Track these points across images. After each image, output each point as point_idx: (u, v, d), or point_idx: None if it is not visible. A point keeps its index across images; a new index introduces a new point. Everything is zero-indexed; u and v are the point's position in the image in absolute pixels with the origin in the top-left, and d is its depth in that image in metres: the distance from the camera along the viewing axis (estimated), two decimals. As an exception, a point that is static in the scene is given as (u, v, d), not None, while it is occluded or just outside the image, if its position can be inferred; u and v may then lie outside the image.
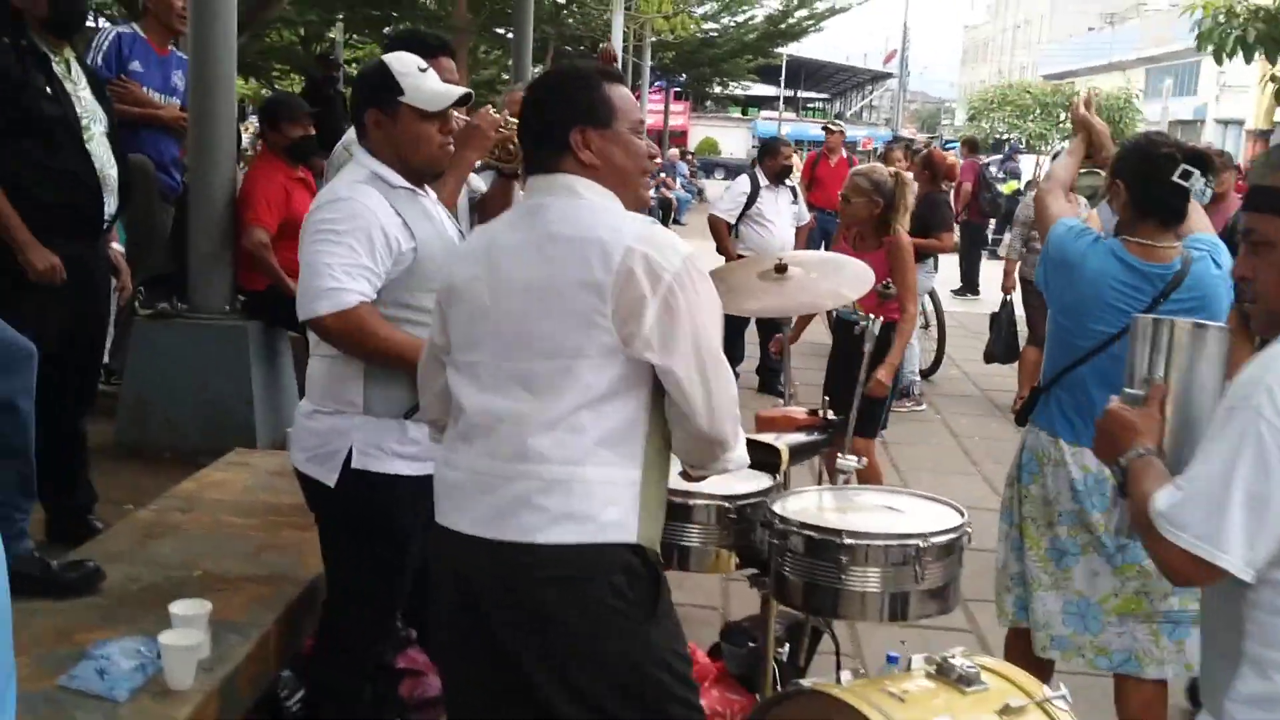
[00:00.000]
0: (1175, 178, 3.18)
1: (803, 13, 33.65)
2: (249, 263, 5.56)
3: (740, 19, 33.92)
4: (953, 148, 65.12)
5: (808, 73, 56.02)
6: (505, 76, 35.57)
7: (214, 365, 5.43)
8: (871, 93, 76.89)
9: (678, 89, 40.63)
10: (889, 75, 67.90)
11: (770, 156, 8.88)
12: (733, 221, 8.73)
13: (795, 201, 9.00)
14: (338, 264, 2.79)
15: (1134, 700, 3.41)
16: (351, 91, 3.09)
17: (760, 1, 33.70)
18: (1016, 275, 8.73)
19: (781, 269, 3.43)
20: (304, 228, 2.91)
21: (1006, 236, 12.61)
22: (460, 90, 3.04)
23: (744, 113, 63.28)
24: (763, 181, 8.77)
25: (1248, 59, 12.87)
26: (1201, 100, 58.19)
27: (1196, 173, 3.18)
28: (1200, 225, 3.42)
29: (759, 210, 8.66)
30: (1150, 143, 3.33)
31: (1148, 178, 3.24)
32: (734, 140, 64.24)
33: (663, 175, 22.95)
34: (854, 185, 5.43)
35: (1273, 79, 13.46)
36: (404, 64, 2.99)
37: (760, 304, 3.35)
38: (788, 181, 8.93)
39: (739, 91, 41.57)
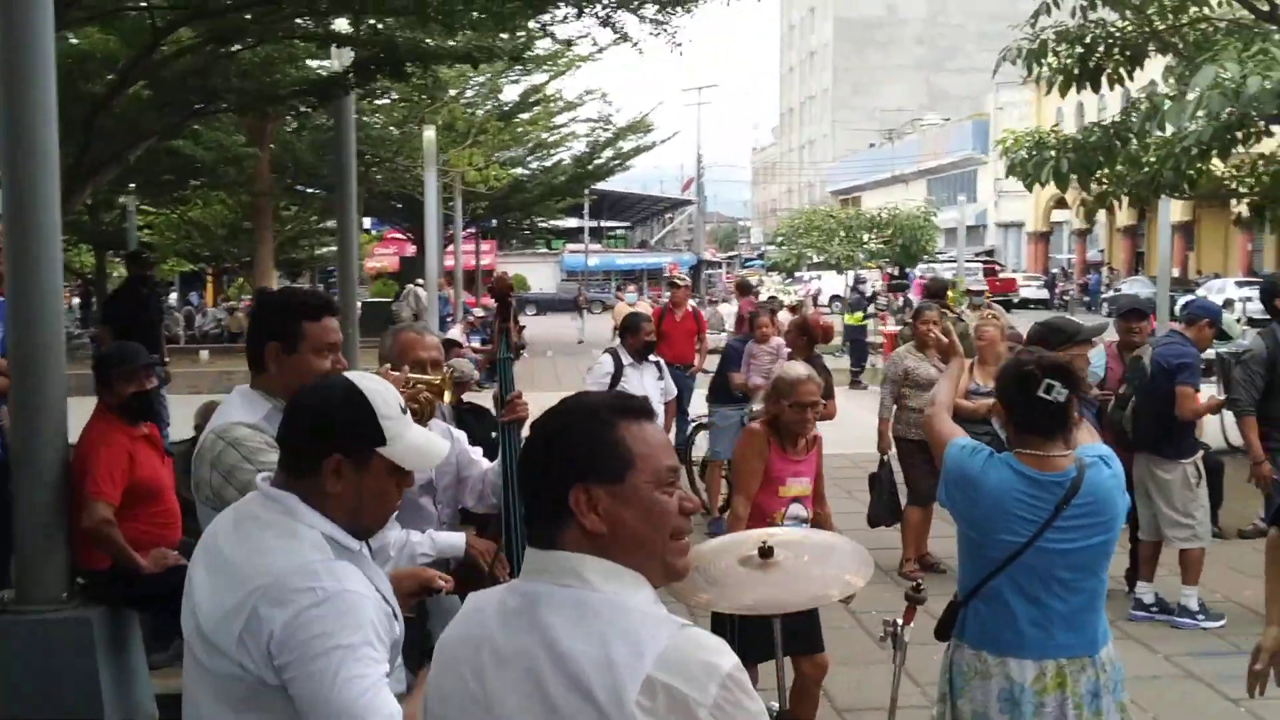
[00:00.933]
0: (1041, 393, 3.39)
1: (609, 153, 34.17)
2: (88, 540, 4.80)
3: (549, 164, 34.16)
4: (751, 265, 66.93)
5: (610, 203, 56.92)
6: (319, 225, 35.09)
7: (53, 669, 4.61)
8: (671, 219, 78.58)
9: (486, 232, 40.54)
10: (688, 201, 69.60)
11: (632, 334, 8.53)
12: (596, 403, 8.36)
13: (661, 377, 8.66)
14: (373, 685, 2.22)
15: None
16: (294, 421, 2.45)
17: (567, 145, 34.16)
18: (891, 434, 8.55)
19: (766, 553, 2.98)
20: (287, 641, 2.24)
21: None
22: (443, 447, 2.55)
23: (549, 246, 63.70)
24: (625, 359, 8.41)
25: (1062, 187, 13.31)
26: (981, 206, 61.49)
27: (1058, 385, 3.40)
28: (1086, 439, 3.66)
29: (625, 389, 8.27)
30: (1018, 363, 3.54)
31: (1019, 397, 3.46)
32: (542, 275, 64.51)
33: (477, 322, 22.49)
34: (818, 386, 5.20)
35: (1083, 203, 13.96)
36: (388, 404, 2.43)
37: (756, 596, 2.87)
38: (651, 357, 8.59)
39: (542, 224, 41.83)
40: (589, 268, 65.61)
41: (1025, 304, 40.63)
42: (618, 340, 8.73)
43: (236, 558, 2.35)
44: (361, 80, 10.11)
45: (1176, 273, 43.63)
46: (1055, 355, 3.77)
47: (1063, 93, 13.26)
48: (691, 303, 14.12)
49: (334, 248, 37.27)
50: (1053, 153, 13.09)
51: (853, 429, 11.59)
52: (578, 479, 1.88)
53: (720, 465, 9.85)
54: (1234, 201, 14.38)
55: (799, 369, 5.18)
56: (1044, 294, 45.87)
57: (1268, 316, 7.53)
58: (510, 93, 29.29)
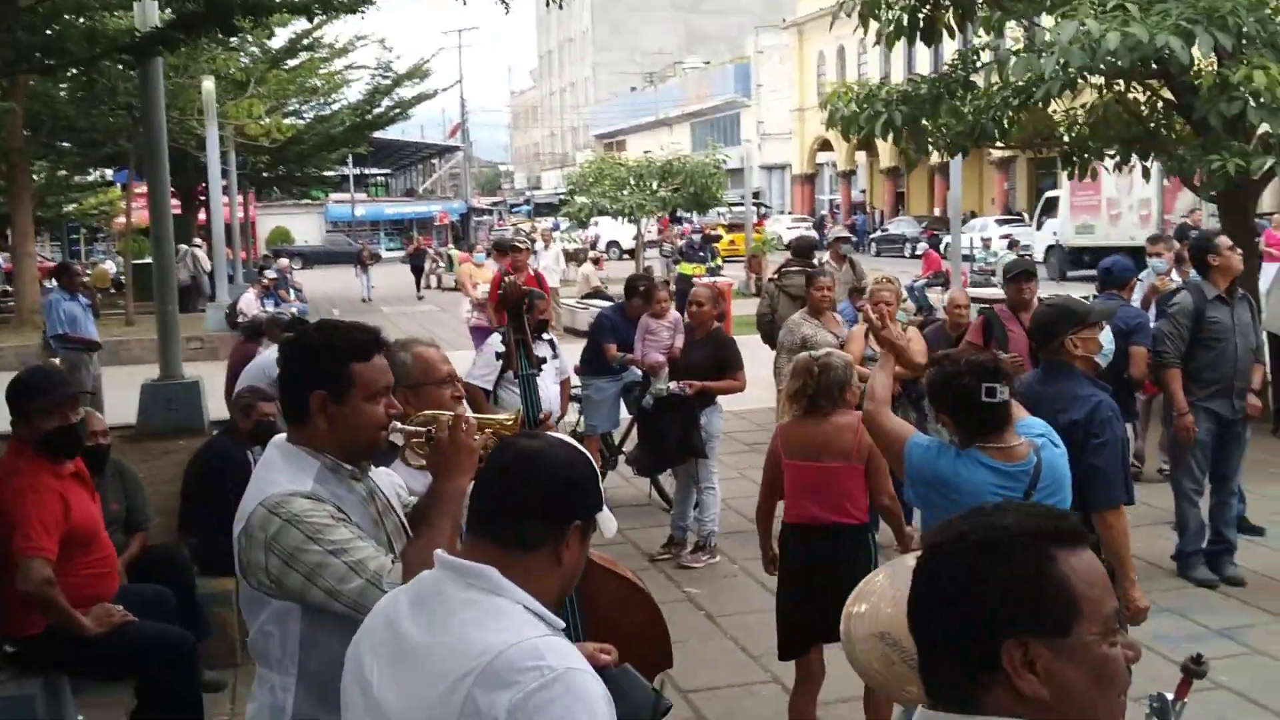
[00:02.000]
0: (984, 399, 3.48)
1: (388, 102, 32.79)
2: (21, 604, 4.07)
3: (325, 114, 32.45)
4: (520, 212, 66.04)
5: (372, 151, 54.92)
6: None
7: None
8: (437, 166, 76.78)
9: (255, 185, 38.39)
10: (454, 148, 67.96)
11: (530, 312, 8.02)
12: (490, 388, 7.88)
13: (556, 355, 8.20)
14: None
15: None
16: (518, 487, 2.16)
17: (342, 94, 32.55)
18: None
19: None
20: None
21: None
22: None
23: (312, 196, 61.22)
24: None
25: (897, 141, 13.45)
26: (745, 149, 62.64)
27: (998, 386, 3.48)
28: (1020, 414, 3.73)
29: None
30: (947, 376, 3.58)
31: (962, 407, 3.54)
32: (306, 226, 61.91)
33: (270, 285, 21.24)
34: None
35: (903, 153, 14.17)
36: None
37: None
38: (545, 335, 8.12)
39: (314, 174, 39.94)
40: (356, 218, 63.49)
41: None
42: (469, 308, 8.19)
43: (434, 642, 2.01)
44: (190, 34, 9.14)
45: (938, 212, 45.63)
46: (980, 358, 3.77)
47: (890, 45, 13.38)
48: (533, 264, 13.63)
49: (87, 202, 34.89)
50: (883, 106, 13.18)
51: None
52: (1012, 630, 1.53)
53: (596, 440, 9.51)
54: (1043, 149, 14.87)
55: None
56: (813, 235, 47.04)
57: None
58: (280, 37, 27.66)
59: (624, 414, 9.78)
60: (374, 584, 2.61)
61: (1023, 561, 1.53)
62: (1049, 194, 34.27)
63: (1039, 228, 33.34)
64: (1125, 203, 28.71)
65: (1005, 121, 13.03)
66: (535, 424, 3.70)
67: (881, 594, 2.78)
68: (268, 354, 8.90)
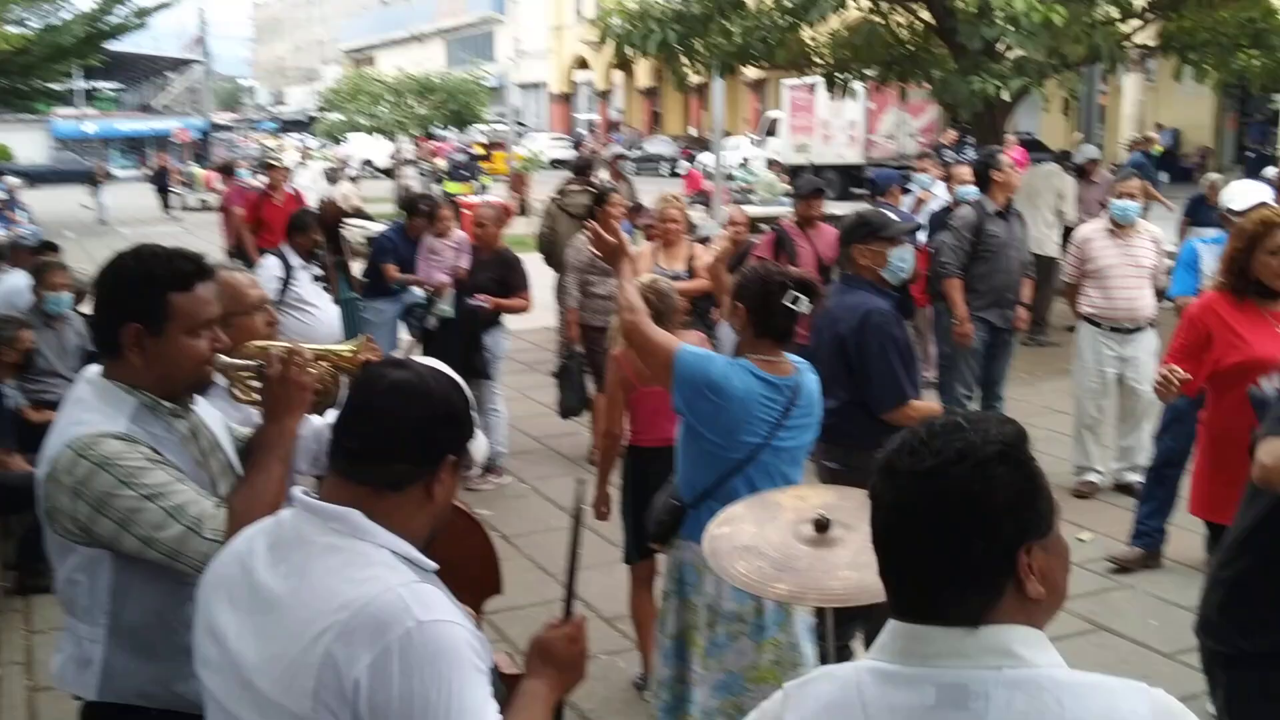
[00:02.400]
0: (786, 302, 3.62)
1: (124, 10, 30.49)
2: None
3: (55, 24, 29.86)
4: (265, 128, 63.25)
5: (106, 64, 51.12)
6: None
7: None
8: (173, 81, 72.42)
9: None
10: (194, 61, 64.18)
11: (301, 232, 7.66)
12: (266, 313, 7.51)
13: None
14: None
15: None
16: (386, 424, 2.01)
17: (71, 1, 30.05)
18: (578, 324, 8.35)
19: (823, 527, 2.68)
20: (377, 688, 1.80)
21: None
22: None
23: (34, 111, 56.84)
24: (295, 261, 7.56)
25: (671, 61, 13.47)
26: (501, 67, 61.65)
27: (803, 297, 3.64)
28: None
29: (297, 295, 7.43)
30: (766, 272, 3.71)
31: (763, 303, 3.65)
32: (29, 143, 57.44)
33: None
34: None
35: (674, 72, 14.21)
36: None
37: (844, 584, 2.55)
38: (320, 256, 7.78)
39: (25, 86, 36.79)
40: (86, 135, 59.42)
41: (556, 164, 41.37)
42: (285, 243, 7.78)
43: (290, 594, 1.88)
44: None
45: (694, 132, 46.23)
46: (803, 271, 4.03)
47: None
48: (289, 186, 13.03)
49: None
50: (656, 25, 13.19)
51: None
52: (1024, 537, 1.54)
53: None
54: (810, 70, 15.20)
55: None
56: (572, 154, 46.94)
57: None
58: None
59: (404, 335, 9.52)
60: (194, 530, 2.43)
61: (1024, 469, 1.55)
62: (770, 114, 35.75)
63: (763, 147, 34.59)
64: (836, 124, 30.69)
65: (774, 42, 13.24)
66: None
67: (743, 517, 2.84)
68: (11, 280, 8.21)
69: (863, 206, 5.84)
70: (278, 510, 2.53)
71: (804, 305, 3.65)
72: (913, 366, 4.77)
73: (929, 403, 4.74)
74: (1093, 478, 7.54)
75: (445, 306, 8.19)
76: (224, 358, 2.66)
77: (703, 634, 3.74)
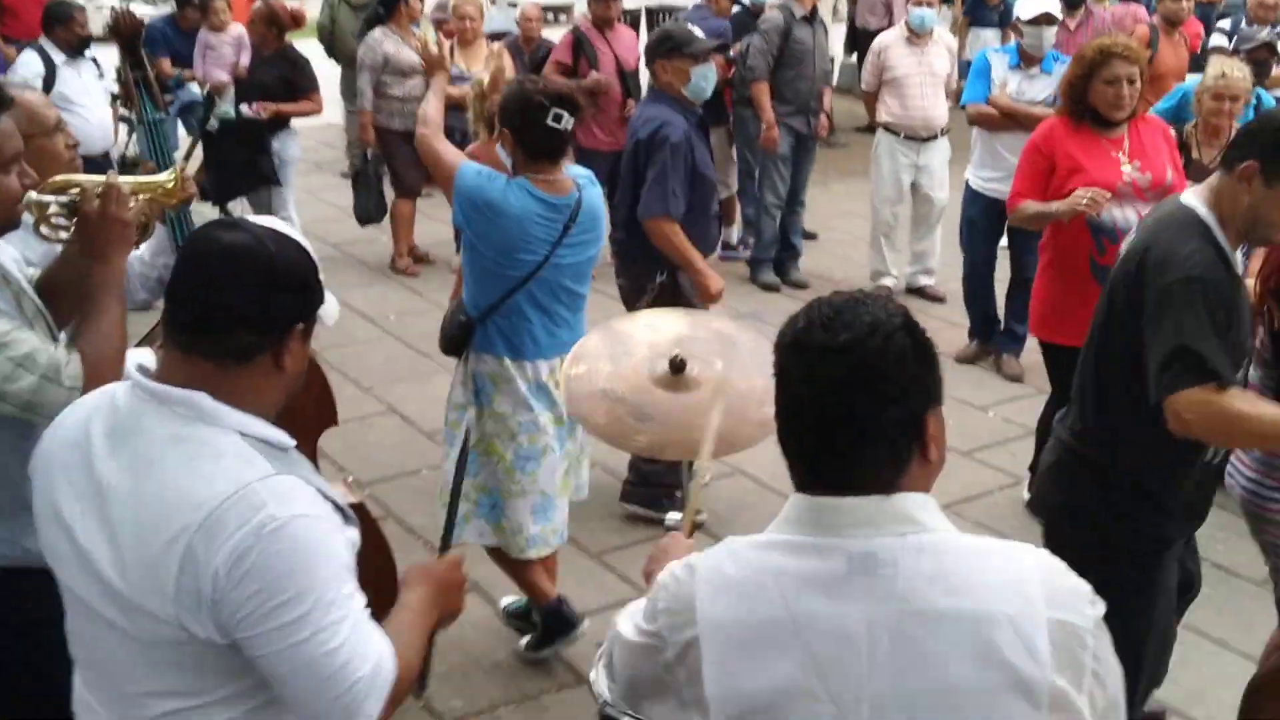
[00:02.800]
0: (549, 122, 3.60)
1: None
2: None
3: None
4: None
5: None
6: None
7: None
8: None
9: None
10: None
11: (62, 24, 6.96)
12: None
13: (102, 75, 7.22)
14: (350, 638, 1.77)
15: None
16: (224, 290, 1.83)
17: None
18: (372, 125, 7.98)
19: (679, 368, 2.65)
20: (231, 595, 1.71)
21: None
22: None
23: None
24: (58, 56, 6.91)
25: None
26: None
27: (565, 114, 3.62)
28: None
29: (63, 95, 6.80)
30: (525, 94, 3.65)
31: (528, 126, 3.63)
32: None
33: None
34: None
35: None
36: None
37: (707, 433, 2.53)
38: (88, 53, 7.10)
39: None
40: None
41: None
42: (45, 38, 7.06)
43: (140, 491, 1.75)
44: None
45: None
46: (559, 84, 3.98)
47: None
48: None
49: None
50: None
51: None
52: (927, 404, 1.59)
53: (150, 166, 8.65)
54: None
55: None
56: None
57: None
58: None
59: (183, 136, 8.92)
60: (51, 379, 2.28)
61: (924, 341, 1.60)
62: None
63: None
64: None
65: None
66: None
67: (597, 354, 2.77)
68: None
69: (671, 24, 5.69)
70: (124, 352, 2.43)
71: (566, 123, 3.64)
72: (700, 187, 4.79)
73: (690, 248, 4.72)
74: (888, 281, 7.81)
75: (227, 108, 7.68)
76: (34, 194, 2.43)
77: (505, 444, 3.81)
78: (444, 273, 8.07)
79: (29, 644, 2.46)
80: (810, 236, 8.75)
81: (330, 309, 1.99)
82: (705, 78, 4.78)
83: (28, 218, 2.49)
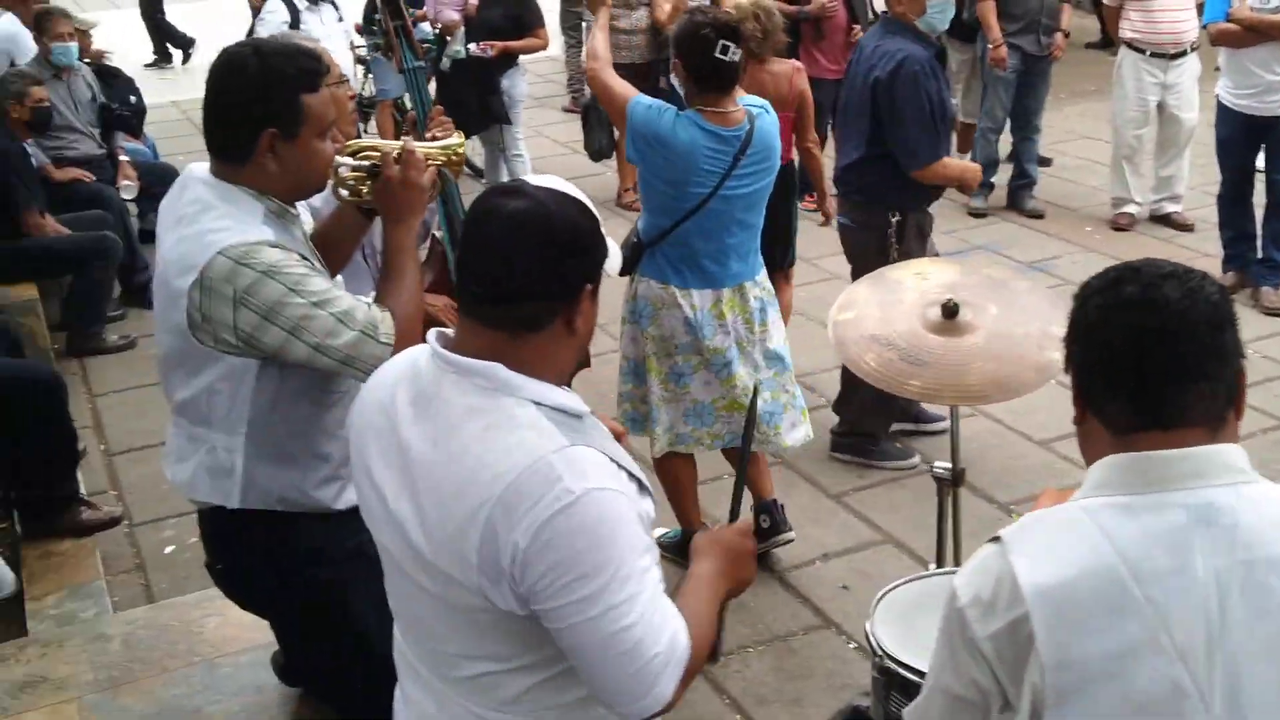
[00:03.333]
0: (716, 54, 3.67)
1: None
2: None
3: None
4: None
5: None
6: None
7: None
8: None
9: None
10: None
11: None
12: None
13: (341, 18, 7.46)
14: (646, 613, 1.75)
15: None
16: (521, 257, 1.80)
17: None
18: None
19: (951, 312, 2.60)
20: (531, 567, 1.72)
21: None
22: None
23: None
24: (300, 2, 7.15)
25: None
26: None
27: (732, 45, 3.69)
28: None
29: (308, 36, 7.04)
30: (694, 24, 3.73)
31: (697, 57, 3.71)
32: None
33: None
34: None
35: None
36: None
37: (980, 378, 2.49)
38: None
39: None
40: None
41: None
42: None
43: (441, 462, 1.77)
44: None
45: None
46: (727, 15, 3.98)
47: None
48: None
49: None
50: None
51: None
52: (1240, 352, 1.61)
53: (388, 105, 8.94)
54: None
55: None
56: None
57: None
58: None
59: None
60: (369, 335, 2.40)
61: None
62: None
63: None
64: None
65: None
66: (424, 123, 3.32)
67: (866, 300, 2.76)
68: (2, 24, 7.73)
69: None
70: (423, 310, 2.56)
71: (734, 54, 3.69)
72: (946, 123, 4.63)
73: (963, 162, 4.65)
74: (1131, 209, 7.45)
75: (458, 47, 7.82)
76: (343, 159, 2.54)
77: (662, 361, 3.97)
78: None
79: (312, 581, 2.64)
80: (1045, 163, 8.38)
81: (614, 261, 2.01)
82: (942, 10, 4.55)
83: None
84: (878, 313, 2.68)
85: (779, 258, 5.26)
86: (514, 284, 1.77)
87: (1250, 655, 1.46)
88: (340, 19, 7.45)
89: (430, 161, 2.59)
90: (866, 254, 4.54)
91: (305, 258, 2.44)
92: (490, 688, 1.83)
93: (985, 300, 2.65)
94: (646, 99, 3.80)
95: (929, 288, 2.72)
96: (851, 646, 3.87)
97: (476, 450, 1.73)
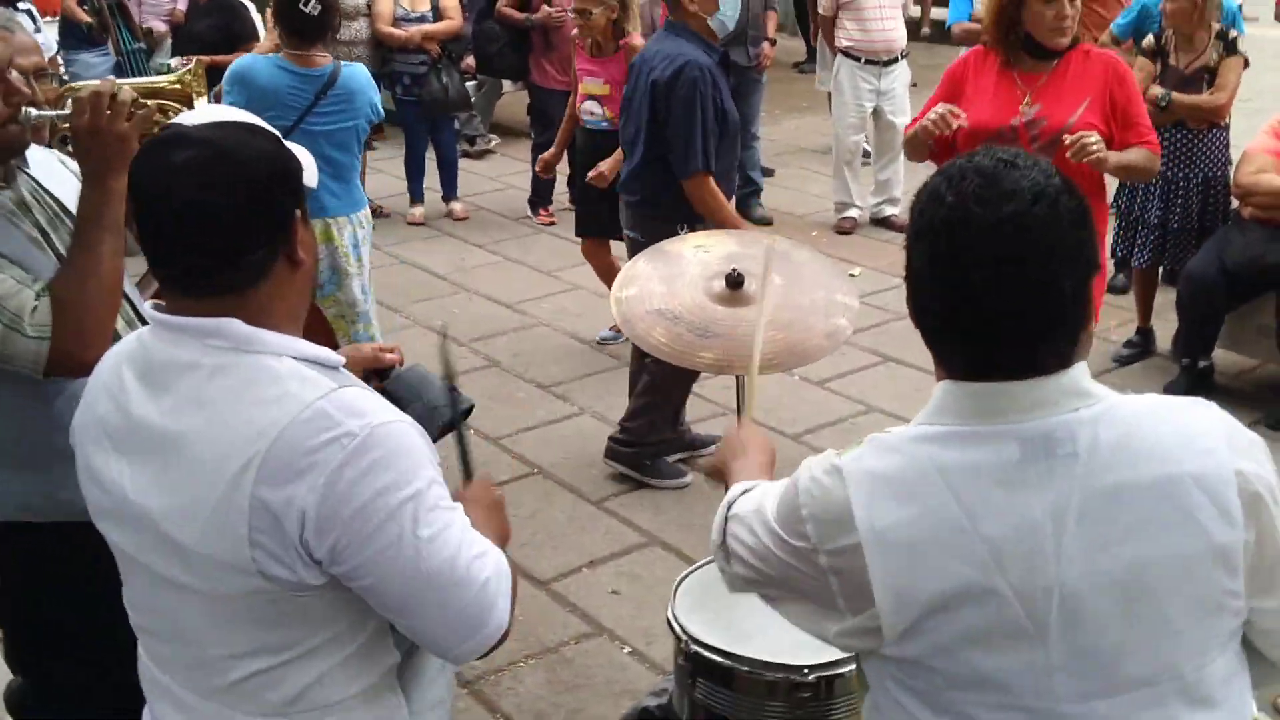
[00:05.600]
0: (301, 7, 4.52)
1: None
2: None
3: None
4: None
5: None
6: None
7: None
8: None
9: None
10: None
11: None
12: None
13: (39, 28, 6.85)
14: (461, 533, 1.64)
15: None
16: (213, 212, 1.61)
17: None
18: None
19: (736, 283, 2.52)
20: (329, 519, 1.54)
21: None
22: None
23: None
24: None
25: None
26: None
27: (314, 2, 4.52)
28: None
29: None
30: None
31: (283, 10, 4.59)
32: None
33: None
34: None
35: None
36: None
37: (772, 349, 2.39)
38: (20, 3, 6.72)
39: None
40: None
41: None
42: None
43: (190, 430, 1.56)
44: None
45: None
46: None
47: None
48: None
49: None
50: None
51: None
52: (1097, 267, 1.49)
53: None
54: None
55: None
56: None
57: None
58: None
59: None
60: (13, 328, 2.05)
61: (1082, 197, 1.50)
62: None
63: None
64: None
65: None
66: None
67: (647, 275, 2.65)
68: None
69: None
70: (116, 293, 2.19)
71: (314, 8, 4.50)
72: (730, 134, 4.45)
73: (733, 211, 4.56)
74: (853, 213, 7.70)
75: (164, 60, 7.33)
76: (34, 111, 2.17)
77: None
78: (399, 225, 7.86)
79: (80, 598, 2.29)
80: (768, 173, 8.59)
81: (310, 172, 1.80)
82: (734, 6, 4.42)
83: None
84: (661, 288, 2.57)
85: (607, 222, 5.32)
86: (221, 246, 1.56)
87: (1091, 590, 1.40)
88: (38, 28, 6.81)
89: (143, 100, 2.23)
90: None
91: None
92: (262, 689, 1.61)
93: (771, 274, 2.58)
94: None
95: (710, 259, 2.64)
96: (626, 651, 3.74)
97: (235, 408, 1.55)
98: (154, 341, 1.64)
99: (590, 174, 5.39)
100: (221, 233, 1.55)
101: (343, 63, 4.63)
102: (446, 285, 6.77)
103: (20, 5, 6.68)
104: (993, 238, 1.40)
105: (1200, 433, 1.45)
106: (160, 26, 7.47)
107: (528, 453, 4.95)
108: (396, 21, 7.58)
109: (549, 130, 7.75)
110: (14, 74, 2.16)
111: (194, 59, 2.45)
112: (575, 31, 5.78)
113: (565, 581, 4.09)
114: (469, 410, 2.05)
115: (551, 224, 7.86)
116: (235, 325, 1.57)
